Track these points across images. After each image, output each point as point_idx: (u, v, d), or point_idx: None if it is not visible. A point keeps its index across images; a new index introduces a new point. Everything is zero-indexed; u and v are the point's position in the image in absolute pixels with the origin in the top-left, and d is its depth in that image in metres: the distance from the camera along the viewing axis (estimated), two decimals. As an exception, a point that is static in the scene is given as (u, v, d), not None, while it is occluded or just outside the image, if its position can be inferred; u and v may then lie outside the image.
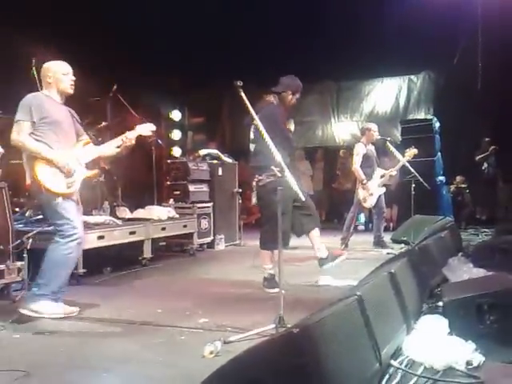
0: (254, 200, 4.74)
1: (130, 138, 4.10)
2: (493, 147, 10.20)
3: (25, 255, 4.51)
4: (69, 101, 4.10)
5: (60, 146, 3.87)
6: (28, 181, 3.86)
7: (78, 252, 3.98)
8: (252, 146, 4.83)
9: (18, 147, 3.85)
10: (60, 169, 3.80)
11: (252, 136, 4.80)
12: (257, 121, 3.59)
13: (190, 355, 3.01)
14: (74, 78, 4.02)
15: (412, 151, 7.40)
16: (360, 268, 5.37)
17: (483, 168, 10.36)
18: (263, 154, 3.70)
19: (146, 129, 4.22)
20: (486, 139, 10.25)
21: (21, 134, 3.76)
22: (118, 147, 4.15)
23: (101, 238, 5.31)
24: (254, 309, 4.06)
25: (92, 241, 5.20)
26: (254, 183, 4.72)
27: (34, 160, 3.77)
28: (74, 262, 4.01)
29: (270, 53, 9.79)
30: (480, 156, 10.36)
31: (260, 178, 4.55)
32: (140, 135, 4.21)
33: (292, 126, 5.00)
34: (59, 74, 3.96)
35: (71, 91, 4.01)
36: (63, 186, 3.82)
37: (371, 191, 7.26)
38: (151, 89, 9.16)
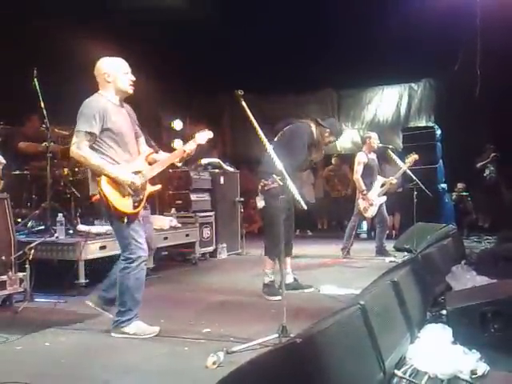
0: (259, 204, 4.69)
1: (191, 149, 3.81)
2: (493, 154, 10.19)
3: (27, 266, 4.51)
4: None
5: (123, 158, 3.63)
6: (93, 192, 3.73)
7: (145, 268, 3.73)
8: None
9: (79, 162, 3.66)
10: (126, 187, 3.55)
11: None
12: (258, 129, 3.59)
13: (193, 366, 3.00)
14: (133, 78, 3.72)
15: (413, 157, 7.38)
16: (362, 276, 5.36)
17: (485, 175, 10.34)
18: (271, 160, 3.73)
19: (205, 137, 3.98)
20: (490, 146, 10.24)
21: (81, 146, 3.47)
22: (179, 159, 3.91)
23: (103, 248, 5.30)
24: (257, 318, 4.05)
25: (94, 251, 5.19)
26: (260, 188, 4.73)
27: (99, 175, 3.51)
28: (144, 278, 3.72)
29: (271, 62, 9.81)
30: (481, 163, 10.36)
31: (266, 182, 4.53)
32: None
33: (319, 155, 5.23)
34: (120, 73, 3.64)
35: (131, 91, 3.70)
36: (130, 205, 3.58)
37: (371, 201, 7.25)
38: (152, 98, 9.19)
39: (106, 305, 3.86)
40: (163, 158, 3.86)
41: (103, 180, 3.49)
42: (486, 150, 10.28)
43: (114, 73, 3.63)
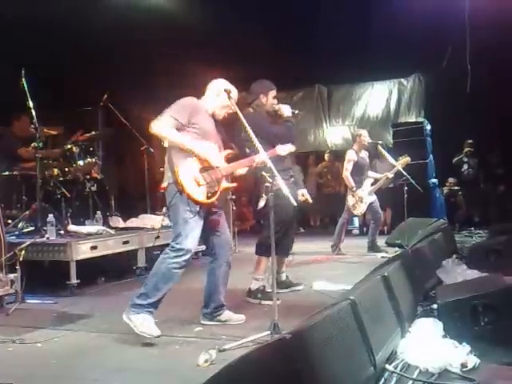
0: (261, 204, 4.62)
1: (262, 160, 3.69)
2: (467, 149, 10.24)
3: (17, 267, 4.49)
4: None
5: None
6: (165, 184, 3.67)
7: (182, 268, 3.65)
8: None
9: (159, 136, 3.70)
10: (204, 168, 3.65)
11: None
12: (247, 128, 3.58)
13: (185, 364, 2.99)
14: (230, 111, 3.87)
15: (405, 160, 7.31)
16: (355, 272, 5.38)
17: (463, 170, 10.38)
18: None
19: (286, 150, 4.02)
20: (469, 141, 10.27)
21: (165, 127, 3.60)
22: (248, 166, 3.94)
23: (94, 248, 5.28)
24: (249, 316, 4.04)
25: (85, 251, 5.17)
26: (265, 188, 4.59)
27: (177, 162, 3.58)
28: (179, 278, 3.66)
29: (261, 57, 9.79)
30: (456, 158, 10.41)
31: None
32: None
33: (286, 109, 4.81)
34: (227, 101, 3.78)
35: (219, 118, 3.88)
36: (204, 194, 3.63)
37: (361, 199, 7.26)
38: (142, 97, 9.17)
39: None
40: (239, 161, 3.95)
41: (181, 166, 3.57)
42: (464, 145, 10.32)
43: (225, 97, 3.76)
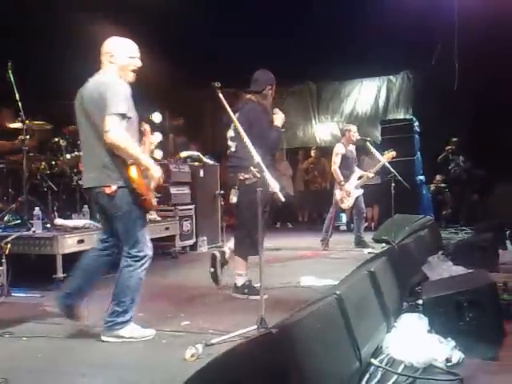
0: (234, 199, 4.57)
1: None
2: (448, 147, 10.32)
3: (3, 260, 4.46)
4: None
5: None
6: (114, 187, 3.28)
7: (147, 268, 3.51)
8: (233, 144, 4.60)
9: (114, 146, 3.18)
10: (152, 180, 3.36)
11: (233, 134, 4.56)
12: (236, 122, 3.58)
13: (172, 359, 3.00)
14: (139, 64, 3.45)
15: (390, 154, 7.42)
16: (342, 268, 5.39)
17: (449, 168, 10.45)
18: (247, 152, 3.54)
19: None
20: (454, 139, 10.34)
21: (122, 130, 3.16)
22: None
23: (81, 241, 5.24)
24: (236, 310, 4.06)
25: (72, 245, 5.13)
26: (239, 181, 4.44)
27: (124, 164, 3.26)
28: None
29: (251, 55, 9.78)
30: (440, 156, 10.48)
31: (246, 176, 4.29)
32: None
33: (280, 117, 4.70)
34: (125, 56, 3.38)
35: (131, 79, 3.42)
36: (154, 200, 3.46)
37: (348, 192, 7.30)
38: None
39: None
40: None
41: (134, 169, 3.26)
42: (450, 143, 10.39)
43: (119, 54, 3.37)
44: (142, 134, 3.59)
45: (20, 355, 3.18)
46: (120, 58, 3.37)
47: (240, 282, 4.61)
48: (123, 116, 3.19)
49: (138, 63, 3.45)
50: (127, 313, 3.38)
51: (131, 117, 3.29)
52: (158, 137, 10.52)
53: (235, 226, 4.79)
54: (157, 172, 3.36)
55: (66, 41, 7.63)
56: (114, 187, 3.27)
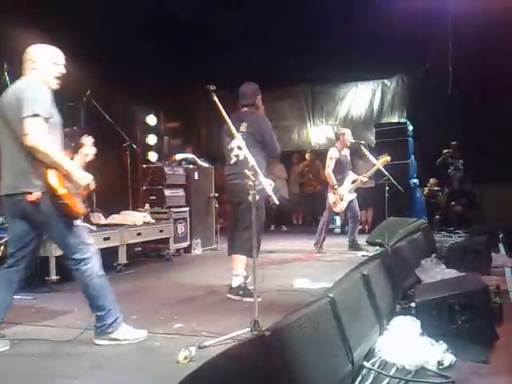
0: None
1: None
2: (446, 150, 10.37)
3: (-4, 262, 4.43)
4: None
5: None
6: (38, 194, 3.13)
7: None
8: (241, 154, 4.37)
9: (34, 150, 3.07)
10: (75, 186, 3.22)
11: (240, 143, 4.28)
12: (230, 125, 3.58)
13: (165, 361, 3.00)
14: (63, 71, 3.35)
15: (385, 158, 7.45)
16: (335, 270, 5.41)
17: (449, 171, 10.49)
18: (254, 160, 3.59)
19: None
20: (452, 143, 10.38)
21: (42, 133, 3.05)
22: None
23: (74, 244, 5.23)
24: (230, 313, 4.06)
25: (65, 247, 5.12)
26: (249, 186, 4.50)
27: (45, 169, 3.12)
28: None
29: (245, 57, 9.81)
30: (439, 159, 10.52)
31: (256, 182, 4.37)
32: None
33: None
34: (48, 62, 3.28)
35: (55, 86, 3.33)
36: (81, 204, 3.31)
37: (342, 196, 7.32)
38: (126, 93, 9.10)
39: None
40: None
41: (52, 173, 3.10)
42: (448, 147, 10.44)
43: (41, 60, 3.27)
44: (80, 145, 3.48)
45: (12, 358, 3.17)
46: (42, 64, 3.29)
47: (235, 283, 4.64)
48: (40, 118, 3.07)
49: (62, 70, 3.36)
50: (111, 310, 3.37)
51: (49, 119, 3.16)
52: (152, 139, 10.56)
53: (241, 228, 4.71)
54: (82, 178, 3.24)
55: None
56: (37, 193, 3.14)
